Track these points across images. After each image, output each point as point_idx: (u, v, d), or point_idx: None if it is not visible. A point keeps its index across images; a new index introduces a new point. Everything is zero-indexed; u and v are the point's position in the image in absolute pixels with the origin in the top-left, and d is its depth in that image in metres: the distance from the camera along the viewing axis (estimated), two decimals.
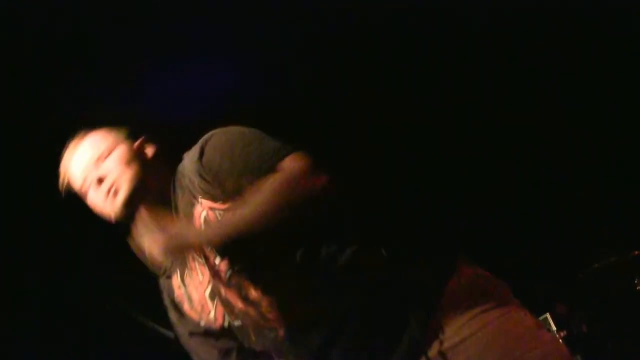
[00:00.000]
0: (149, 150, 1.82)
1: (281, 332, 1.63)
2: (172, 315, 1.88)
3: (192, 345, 1.84)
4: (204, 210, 1.65)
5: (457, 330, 1.54)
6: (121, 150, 1.77)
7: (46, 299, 4.06)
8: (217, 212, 1.63)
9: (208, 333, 1.79)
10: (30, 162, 3.57)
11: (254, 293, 1.63)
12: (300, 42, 3.54)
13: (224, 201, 1.63)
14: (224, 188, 1.63)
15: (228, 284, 1.65)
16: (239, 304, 1.66)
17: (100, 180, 1.74)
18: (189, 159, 1.72)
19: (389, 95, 4.09)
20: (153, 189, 1.76)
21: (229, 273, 1.65)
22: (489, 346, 1.53)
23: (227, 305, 1.68)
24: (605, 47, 4.02)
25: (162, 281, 1.88)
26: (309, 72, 3.71)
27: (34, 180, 3.77)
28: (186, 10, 3.05)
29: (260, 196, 1.54)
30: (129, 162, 1.75)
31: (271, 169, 1.58)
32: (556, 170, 4.39)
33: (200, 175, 1.65)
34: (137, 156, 1.78)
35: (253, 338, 1.69)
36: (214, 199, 1.64)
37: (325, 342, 1.59)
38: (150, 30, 3.04)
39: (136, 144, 1.81)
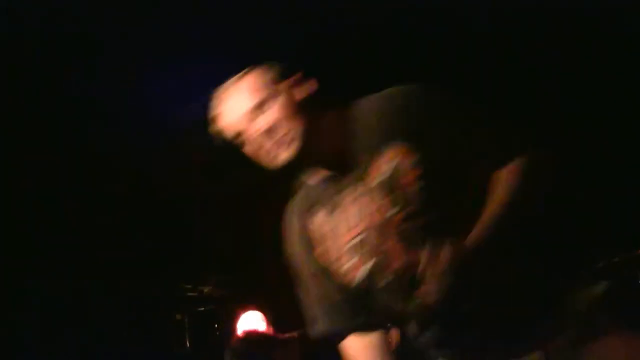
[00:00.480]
0: (310, 90, 1.68)
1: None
2: (299, 249, 1.77)
3: (314, 282, 1.75)
4: (395, 158, 1.58)
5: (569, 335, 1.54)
6: (285, 96, 1.64)
7: (46, 299, 4.06)
8: (410, 161, 1.56)
9: (334, 285, 1.70)
10: (31, 163, 3.58)
11: (419, 249, 1.52)
12: (300, 42, 3.54)
13: (424, 150, 1.57)
14: (430, 140, 1.57)
15: (400, 236, 1.57)
16: (398, 262, 1.58)
17: (266, 132, 1.61)
18: (380, 103, 1.65)
19: None
20: (323, 136, 1.65)
21: (403, 227, 1.57)
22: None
23: (382, 260, 1.60)
24: (605, 47, 4.02)
25: (292, 214, 1.79)
26: (308, 73, 3.71)
27: (35, 181, 3.78)
28: (186, 10, 3.05)
29: (520, 192, 1.52)
30: (295, 110, 1.62)
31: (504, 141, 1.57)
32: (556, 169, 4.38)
33: (406, 120, 1.58)
34: (302, 102, 1.65)
35: (399, 302, 1.58)
36: (414, 146, 1.57)
37: (469, 318, 1.53)
38: (151, 30, 3.05)
39: (297, 85, 1.67)
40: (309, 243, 1.73)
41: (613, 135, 4.21)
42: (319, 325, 1.76)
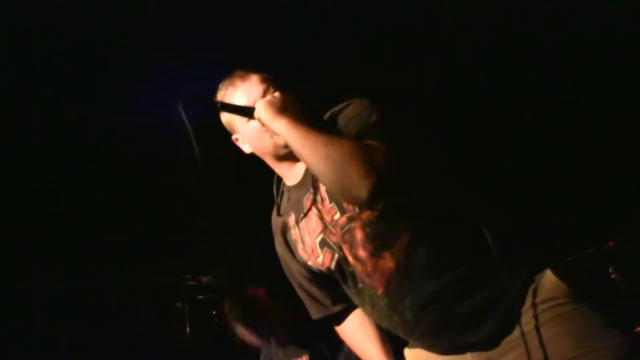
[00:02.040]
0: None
1: (379, 292, 1.81)
2: (282, 250, 2.08)
3: (300, 277, 2.07)
4: None
5: (533, 317, 1.73)
6: (288, 97, 1.88)
7: (45, 289, 4.11)
8: None
9: (315, 276, 2.01)
10: (32, 164, 3.63)
11: (362, 253, 1.81)
12: (300, 43, 3.58)
13: None
14: None
15: (343, 240, 1.84)
16: (350, 258, 1.84)
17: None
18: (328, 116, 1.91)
19: (391, 96, 4.12)
20: None
21: (344, 229, 1.83)
22: (561, 333, 1.71)
23: (342, 254, 1.86)
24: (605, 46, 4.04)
25: (275, 218, 2.08)
26: (309, 75, 3.75)
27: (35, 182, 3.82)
28: (186, 15, 3.09)
29: (330, 136, 1.71)
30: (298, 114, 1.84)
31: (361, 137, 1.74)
32: (529, 164, 4.42)
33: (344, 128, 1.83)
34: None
35: (360, 286, 1.87)
36: None
37: (416, 312, 1.77)
38: (151, 34, 3.09)
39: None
40: (290, 245, 2.02)
41: (584, 128, 4.23)
42: (311, 313, 2.13)
